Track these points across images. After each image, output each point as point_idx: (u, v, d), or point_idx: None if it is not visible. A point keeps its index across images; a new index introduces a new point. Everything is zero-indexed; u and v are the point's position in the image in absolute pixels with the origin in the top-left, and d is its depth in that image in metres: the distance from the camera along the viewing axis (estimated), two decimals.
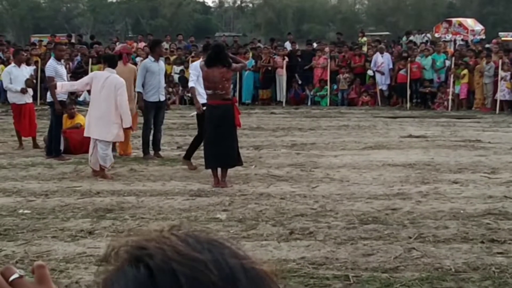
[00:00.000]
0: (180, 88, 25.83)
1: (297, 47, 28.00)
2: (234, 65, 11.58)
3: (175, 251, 0.99)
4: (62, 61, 14.64)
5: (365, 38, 29.75)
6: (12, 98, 15.49)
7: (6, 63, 22.83)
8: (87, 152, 12.50)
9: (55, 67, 13.72)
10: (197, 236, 1.05)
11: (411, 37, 29.88)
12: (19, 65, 15.49)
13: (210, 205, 9.84)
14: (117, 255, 1.03)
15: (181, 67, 26.38)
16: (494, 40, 29.13)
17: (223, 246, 1.04)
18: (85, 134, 12.22)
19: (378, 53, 25.05)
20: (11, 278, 1.13)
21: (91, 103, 12.45)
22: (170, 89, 25.74)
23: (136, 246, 1.03)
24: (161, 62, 14.38)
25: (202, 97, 12.15)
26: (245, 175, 12.00)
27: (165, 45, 26.45)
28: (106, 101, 11.86)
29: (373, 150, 14.70)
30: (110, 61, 12.45)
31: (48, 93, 13.92)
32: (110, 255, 1.04)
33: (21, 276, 1.14)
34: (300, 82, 25.86)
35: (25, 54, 19.62)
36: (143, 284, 0.98)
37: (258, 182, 11.46)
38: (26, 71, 15.81)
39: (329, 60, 25.44)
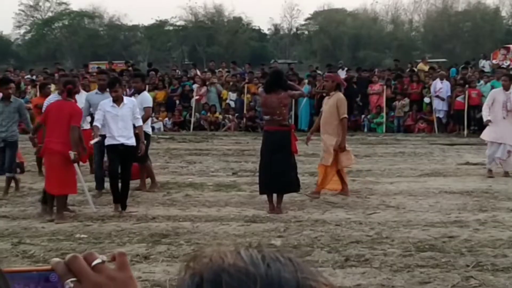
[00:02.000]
0: (236, 114, 25.97)
1: (350, 74, 27.96)
2: (292, 92, 11.62)
3: (231, 264, 1.01)
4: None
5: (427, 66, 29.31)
6: None
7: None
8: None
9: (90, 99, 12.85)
10: (265, 252, 1.06)
11: (482, 62, 29.59)
12: (78, 92, 15.62)
13: (265, 231, 9.82)
14: (190, 266, 1.06)
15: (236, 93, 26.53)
16: None
17: (289, 262, 1.04)
18: None
19: (438, 79, 24.85)
20: (94, 263, 1.17)
21: None
22: (226, 115, 25.93)
23: (203, 258, 1.05)
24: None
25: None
26: (300, 201, 11.97)
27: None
28: None
29: (430, 177, 14.54)
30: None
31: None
32: (187, 266, 1.06)
33: (103, 262, 1.18)
34: (360, 103, 25.83)
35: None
36: None
37: (313, 209, 11.42)
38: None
39: (385, 87, 25.34)
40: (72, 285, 1.14)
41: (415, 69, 28.52)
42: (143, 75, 15.73)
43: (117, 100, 11.20)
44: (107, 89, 11.86)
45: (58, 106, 10.90)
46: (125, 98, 11.43)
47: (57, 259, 1.18)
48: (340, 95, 12.58)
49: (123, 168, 11.42)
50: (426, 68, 28.08)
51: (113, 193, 11.51)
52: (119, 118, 11.09)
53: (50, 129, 10.81)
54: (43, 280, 1.16)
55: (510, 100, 14.56)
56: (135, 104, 11.49)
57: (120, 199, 11.38)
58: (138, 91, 13.32)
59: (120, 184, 11.45)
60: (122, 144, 11.14)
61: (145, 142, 12.84)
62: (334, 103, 12.27)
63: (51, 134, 10.74)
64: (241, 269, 1.00)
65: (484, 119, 15.06)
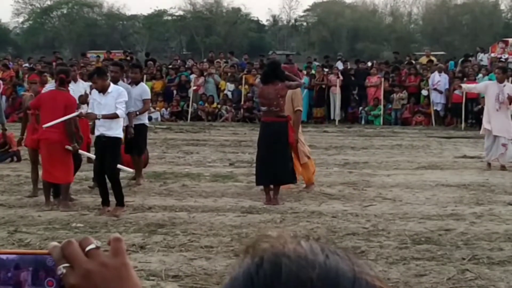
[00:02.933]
0: (233, 105, 25.95)
1: (349, 66, 27.98)
2: (289, 82, 11.59)
3: (293, 250, 1.02)
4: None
5: (432, 58, 29.16)
6: None
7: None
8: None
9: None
10: (324, 244, 1.07)
11: (480, 55, 29.59)
12: (75, 81, 15.46)
13: (261, 222, 9.82)
14: (251, 249, 1.06)
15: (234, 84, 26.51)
16: None
17: (346, 256, 1.05)
18: None
19: (436, 72, 24.84)
20: (87, 248, 1.15)
21: None
22: (224, 106, 25.91)
23: (263, 243, 1.05)
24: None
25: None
26: (297, 193, 11.97)
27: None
28: None
29: (427, 170, 14.55)
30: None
31: None
32: (249, 248, 1.06)
33: (97, 247, 1.16)
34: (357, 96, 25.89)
35: (78, 71, 19.38)
36: (248, 271, 1.02)
37: (310, 200, 11.42)
38: (83, 86, 15.73)
39: (383, 79, 25.35)
40: (64, 270, 1.13)
41: (413, 62, 28.48)
42: (141, 66, 15.55)
43: (102, 90, 10.94)
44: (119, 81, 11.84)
45: (51, 95, 10.86)
46: (112, 87, 10.83)
47: (54, 243, 1.16)
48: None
49: (104, 162, 10.53)
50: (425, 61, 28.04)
51: (100, 193, 10.73)
52: (102, 107, 10.76)
53: (44, 118, 10.76)
54: (40, 264, 1.15)
55: (503, 93, 14.61)
56: (121, 93, 10.97)
57: (115, 196, 10.61)
58: (136, 82, 13.22)
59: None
60: (103, 136, 10.54)
61: (142, 133, 12.84)
62: (289, 96, 11.84)
63: (46, 123, 10.71)
64: (300, 255, 1.01)
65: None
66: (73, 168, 11.20)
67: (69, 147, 10.64)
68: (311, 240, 1.06)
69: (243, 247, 1.07)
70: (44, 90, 12.03)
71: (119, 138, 10.82)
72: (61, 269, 1.13)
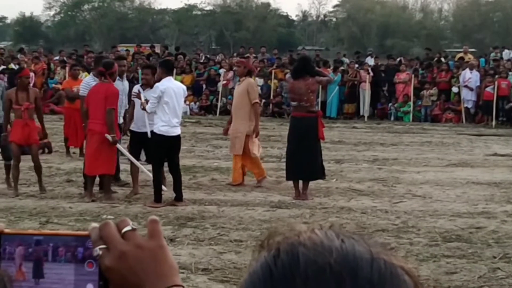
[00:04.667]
0: (263, 100, 25.94)
1: (379, 62, 27.85)
2: (319, 78, 11.60)
3: (308, 238, 1.02)
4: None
5: (469, 55, 28.89)
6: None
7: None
8: None
9: (90, 86, 11.40)
10: (340, 230, 1.07)
11: (504, 51, 29.31)
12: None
13: (291, 217, 9.82)
14: (266, 243, 1.06)
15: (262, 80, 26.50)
16: None
17: (362, 239, 1.05)
18: None
19: (467, 69, 24.62)
20: (123, 230, 1.17)
21: None
22: None
23: (277, 235, 1.06)
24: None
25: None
26: (326, 188, 11.95)
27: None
28: None
29: (457, 167, 14.46)
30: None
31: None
32: (264, 243, 1.07)
33: (133, 229, 1.17)
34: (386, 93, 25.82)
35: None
36: (266, 263, 1.02)
37: (339, 196, 11.40)
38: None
39: (412, 76, 25.20)
40: (100, 252, 1.14)
41: (442, 60, 28.22)
42: (154, 66, 12.43)
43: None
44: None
45: (95, 89, 11.00)
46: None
47: (94, 224, 1.18)
48: (250, 80, 12.58)
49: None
50: (467, 57, 27.66)
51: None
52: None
53: (91, 111, 10.94)
54: (81, 245, 1.17)
55: None
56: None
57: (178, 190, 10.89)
58: (150, 85, 11.46)
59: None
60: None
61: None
62: (244, 89, 12.10)
63: (92, 116, 10.87)
64: (316, 242, 1.01)
65: None
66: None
67: (109, 136, 10.71)
68: (325, 228, 1.06)
69: (258, 242, 1.08)
70: (82, 85, 12.10)
71: (157, 134, 10.77)
72: (97, 250, 1.15)
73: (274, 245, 1.03)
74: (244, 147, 12.10)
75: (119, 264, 1.14)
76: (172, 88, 10.80)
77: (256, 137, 12.29)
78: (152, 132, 10.85)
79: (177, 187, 10.81)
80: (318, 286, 0.97)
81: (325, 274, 0.97)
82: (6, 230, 1.19)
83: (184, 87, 11.54)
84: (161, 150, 10.70)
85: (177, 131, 10.78)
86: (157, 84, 10.99)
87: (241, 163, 12.32)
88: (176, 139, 10.81)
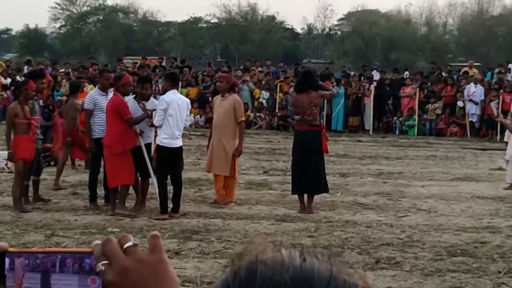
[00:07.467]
0: (267, 113, 25.97)
1: (385, 76, 27.87)
2: (322, 92, 11.62)
3: (270, 257, 1.06)
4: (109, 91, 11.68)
5: (474, 70, 28.88)
6: None
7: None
8: None
9: (94, 99, 11.61)
10: (306, 250, 1.10)
11: (510, 65, 29.29)
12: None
13: (296, 231, 9.84)
14: (236, 259, 1.11)
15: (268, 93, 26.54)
16: None
17: (325, 259, 1.08)
18: None
19: (472, 83, 24.64)
20: (125, 246, 1.19)
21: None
22: (258, 114, 25.95)
23: (245, 255, 1.10)
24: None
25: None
26: (331, 202, 11.96)
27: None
28: None
29: (462, 181, 14.46)
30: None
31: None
32: (234, 259, 1.11)
33: (135, 245, 1.20)
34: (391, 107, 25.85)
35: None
36: (225, 279, 1.08)
37: (344, 210, 11.41)
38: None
39: (417, 90, 25.23)
40: (103, 268, 1.17)
41: (443, 75, 28.23)
42: (150, 79, 12.74)
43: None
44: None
45: (109, 101, 11.16)
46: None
47: (97, 241, 1.21)
48: (236, 97, 11.99)
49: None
50: (471, 72, 27.68)
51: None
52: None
53: (106, 124, 11.11)
54: (88, 257, 1.20)
55: None
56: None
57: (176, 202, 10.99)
58: (146, 97, 11.42)
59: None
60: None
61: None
62: (231, 106, 11.58)
63: (107, 129, 11.04)
64: (277, 261, 1.05)
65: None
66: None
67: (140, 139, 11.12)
68: (293, 247, 1.08)
69: (229, 257, 1.11)
70: (88, 96, 12.16)
71: (159, 146, 10.93)
72: (100, 266, 1.18)
73: (238, 263, 1.08)
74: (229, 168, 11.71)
75: (121, 279, 1.17)
76: (177, 101, 10.88)
77: (238, 157, 11.94)
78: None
79: (176, 198, 10.86)
80: None
81: None
82: (10, 249, 1.22)
83: (188, 101, 11.51)
84: (164, 162, 10.76)
85: (178, 142, 10.89)
86: (162, 96, 11.15)
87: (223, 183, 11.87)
88: (178, 151, 10.91)
